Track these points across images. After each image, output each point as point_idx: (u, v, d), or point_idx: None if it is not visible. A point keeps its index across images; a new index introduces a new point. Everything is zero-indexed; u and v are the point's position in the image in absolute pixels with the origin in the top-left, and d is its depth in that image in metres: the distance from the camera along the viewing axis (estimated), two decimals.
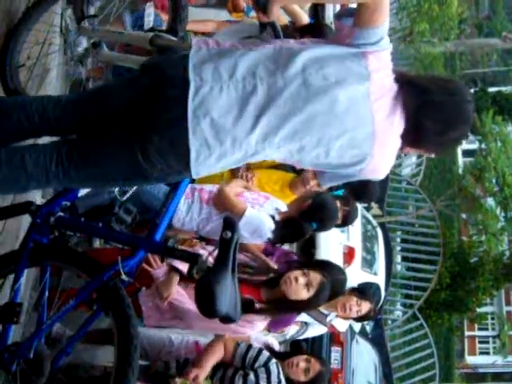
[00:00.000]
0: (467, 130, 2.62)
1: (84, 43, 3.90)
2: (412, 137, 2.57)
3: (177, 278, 3.47)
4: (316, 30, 4.18)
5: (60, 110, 2.59)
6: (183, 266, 3.40)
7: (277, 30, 3.27)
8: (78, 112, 2.58)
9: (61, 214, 2.87)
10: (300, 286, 3.45)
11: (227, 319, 2.44)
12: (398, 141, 2.57)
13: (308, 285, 3.46)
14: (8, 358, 2.68)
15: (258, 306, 3.50)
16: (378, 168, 2.61)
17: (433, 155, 2.83)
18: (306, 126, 2.43)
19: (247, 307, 3.49)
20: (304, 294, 3.46)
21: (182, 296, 3.52)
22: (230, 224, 2.44)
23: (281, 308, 3.56)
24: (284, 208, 4.03)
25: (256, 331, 3.69)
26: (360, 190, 4.57)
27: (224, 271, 2.38)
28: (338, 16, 2.61)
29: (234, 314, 2.42)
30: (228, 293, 2.37)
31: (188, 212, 3.82)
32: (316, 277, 3.48)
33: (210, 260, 2.60)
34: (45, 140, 2.67)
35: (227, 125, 2.39)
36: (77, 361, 3.62)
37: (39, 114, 2.58)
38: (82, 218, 2.95)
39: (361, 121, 2.47)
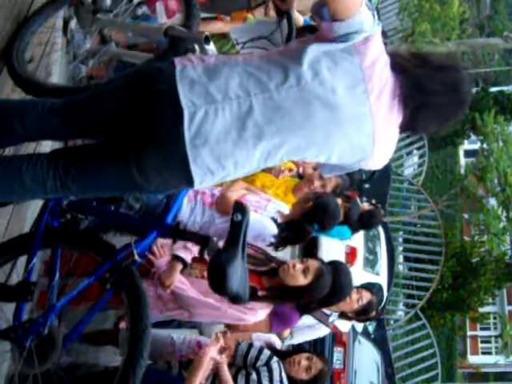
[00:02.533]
0: (464, 111, 2.63)
1: (87, 44, 3.92)
2: (408, 127, 2.59)
3: (179, 267, 3.50)
4: (312, 32, 4.18)
5: (54, 116, 2.56)
6: (186, 255, 3.45)
7: (291, 20, 3.27)
8: (71, 118, 2.56)
9: (73, 198, 2.92)
10: (297, 272, 3.45)
11: (237, 298, 2.52)
12: (396, 132, 2.57)
13: (305, 271, 3.47)
14: (22, 334, 2.76)
15: (260, 293, 3.52)
16: (377, 162, 2.61)
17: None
18: (308, 139, 2.41)
19: (250, 295, 3.52)
20: (301, 280, 3.45)
21: (184, 284, 3.56)
22: (240, 207, 2.49)
23: (282, 295, 3.56)
24: (286, 210, 4.04)
25: (258, 319, 3.71)
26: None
27: (235, 252, 2.45)
28: (315, 10, 2.48)
29: (243, 294, 2.50)
30: (238, 273, 2.45)
31: (191, 215, 3.83)
32: (313, 263, 3.48)
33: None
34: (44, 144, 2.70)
35: (227, 150, 2.34)
36: (79, 361, 3.64)
37: (33, 119, 2.57)
38: (94, 203, 3.01)
39: (361, 125, 2.44)
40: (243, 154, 2.36)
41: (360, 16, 2.35)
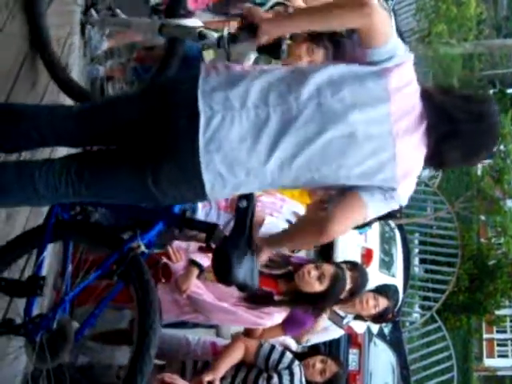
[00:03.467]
0: (494, 146, 2.59)
1: (104, 45, 3.92)
2: (434, 161, 2.54)
3: (196, 272, 3.50)
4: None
5: (70, 122, 2.57)
6: (202, 260, 3.44)
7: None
8: (87, 123, 2.56)
9: None
10: (312, 279, 3.47)
11: (244, 287, 2.49)
12: (420, 161, 2.50)
13: (321, 277, 3.46)
14: (32, 328, 2.76)
15: (276, 298, 3.53)
16: (402, 188, 2.49)
17: None
18: (323, 154, 2.36)
19: (266, 299, 3.52)
20: (317, 287, 3.47)
21: (200, 289, 3.56)
22: (245, 194, 2.48)
23: (298, 300, 3.57)
24: (301, 211, 4.03)
25: (275, 323, 3.71)
26: None
27: (240, 239, 2.44)
28: (348, 35, 2.59)
29: (250, 282, 2.46)
30: (244, 260, 2.42)
31: (206, 219, 3.84)
32: (329, 269, 3.48)
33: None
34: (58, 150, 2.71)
35: (241, 157, 2.33)
36: (94, 361, 3.65)
37: (48, 125, 2.58)
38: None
39: (381, 145, 2.39)
40: (256, 162, 2.33)
41: (392, 43, 2.40)
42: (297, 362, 3.53)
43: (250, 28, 2.52)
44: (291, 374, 3.49)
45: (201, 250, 3.35)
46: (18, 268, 3.15)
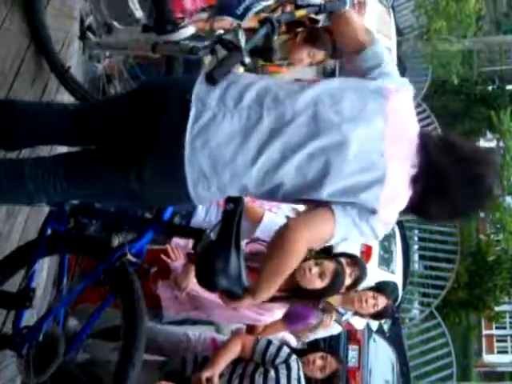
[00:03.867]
0: (488, 205, 2.52)
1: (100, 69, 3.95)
2: (416, 210, 2.45)
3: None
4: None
5: (66, 119, 2.58)
6: None
7: None
8: (81, 123, 2.56)
9: (75, 202, 2.88)
10: (314, 276, 3.46)
11: (229, 293, 2.42)
12: (405, 198, 2.39)
13: (322, 274, 3.47)
14: (19, 341, 2.73)
15: (275, 294, 3.53)
16: (385, 218, 2.37)
17: None
18: (311, 162, 2.28)
19: None
20: (318, 284, 3.47)
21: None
22: (233, 196, 2.41)
23: (298, 296, 3.57)
24: (301, 207, 4.04)
25: (275, 318, 3.72)
26: None
27: (226, 244, 2.36)
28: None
29: (236, 287, 2.39)
30: (230, 266, 2.35)
31: (206, 217, 3.86)
32: (329, 265, 3.49)
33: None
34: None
35: (226, 157, 2.27)
36: (95, 358, 3.65)
37: (46, 122, 2.59)
38: (96, 205, 2.98)
39: (372, 164, 2.31)
40: (242, 164, 2.27)
41: (376, 47, 2.45)
42: (294, 357, 3.53)
43: None
44: (288, 369, 3.48)
45: (188, 256, 3.34)
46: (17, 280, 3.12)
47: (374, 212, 2.31)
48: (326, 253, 3.57)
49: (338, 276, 3.49)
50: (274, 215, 3.86)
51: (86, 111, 2.64)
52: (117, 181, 2.40)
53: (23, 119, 2.60)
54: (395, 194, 2.35)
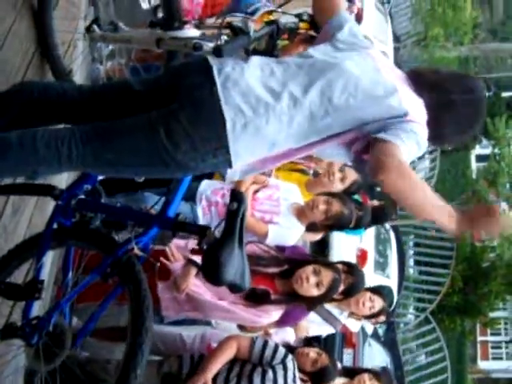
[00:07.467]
0: (482, 120, 2.71)
1: (109, 47, 3.98)
2: (431, 134, 2.56)
3: (194, 271, 3.54)
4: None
5: (79, 94, 2.62)
6: (200, 259, 3.50)
7: None
8: (96, 98, 2.59)
9: (82, 196, 2.92)
10: (311, 286, 3.53)
11: (234, 288, 2.52)
12: (420, 104, 2.56)
13: (319, 284, 3.53)
14: (29, 331, 2.78)
15: (273, 297, 3.58)
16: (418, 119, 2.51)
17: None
18: (330, 82, 2.43)
19: (264, 298, 3.58)
20: (315, 293, 3.54)
21: (199, 287, 3.60)
22: (236, 196, 2.51)
23: (295, 300, 3.63)
24: (295, 193, 4.15)
25: (272, 320, 3.76)
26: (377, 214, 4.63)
27: (231, 241, 2.45)
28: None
29: (241, 282, 2.49)
30: (235, 262, 2.44)
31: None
32: (327, 275, 3.54)
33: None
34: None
35: (257, 91, 2.38)
36: (94, 357, 3.68)
37: (60, 96, 2.61)
38: (102, 200, 3.01)
39: (379, 82, 2.50)
40: (270, 98, 2.39)
41: (344, 13, 2.72)
42: (290, 357, 3.57)
43: None
44: (285, 369, 3.53)
45: (193, 252, 3.41)
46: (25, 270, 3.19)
47: (406, 114, 2.45)
48: (321, 253, 3.65)
49: (334, 287, 3.57)
50: (276, 227, 3.94)
51: (102, 90, 2.69)
52: (141, 137, 2.38)
53: (34, 92, 2.61)
54: (411, 101, 2.52)
